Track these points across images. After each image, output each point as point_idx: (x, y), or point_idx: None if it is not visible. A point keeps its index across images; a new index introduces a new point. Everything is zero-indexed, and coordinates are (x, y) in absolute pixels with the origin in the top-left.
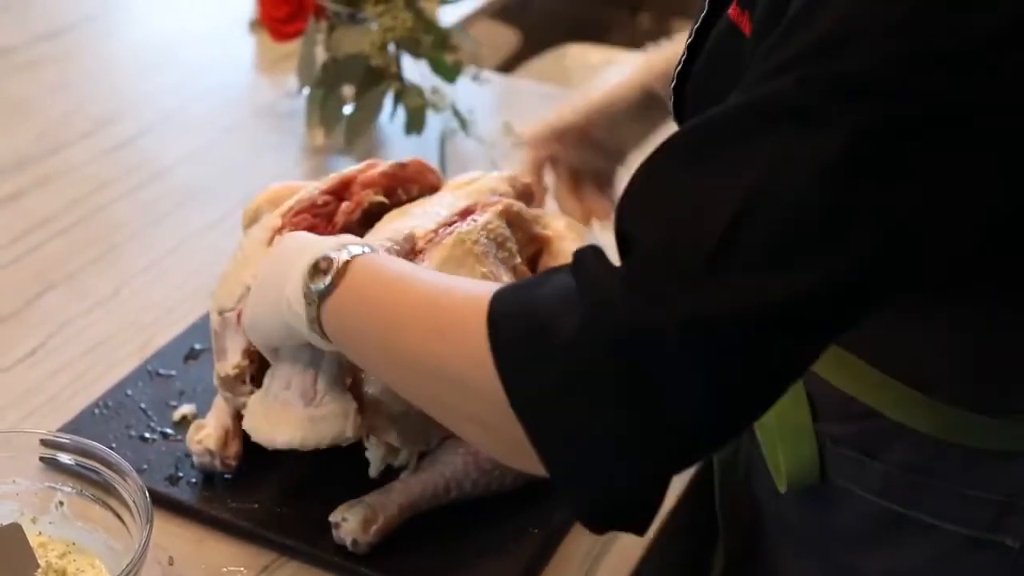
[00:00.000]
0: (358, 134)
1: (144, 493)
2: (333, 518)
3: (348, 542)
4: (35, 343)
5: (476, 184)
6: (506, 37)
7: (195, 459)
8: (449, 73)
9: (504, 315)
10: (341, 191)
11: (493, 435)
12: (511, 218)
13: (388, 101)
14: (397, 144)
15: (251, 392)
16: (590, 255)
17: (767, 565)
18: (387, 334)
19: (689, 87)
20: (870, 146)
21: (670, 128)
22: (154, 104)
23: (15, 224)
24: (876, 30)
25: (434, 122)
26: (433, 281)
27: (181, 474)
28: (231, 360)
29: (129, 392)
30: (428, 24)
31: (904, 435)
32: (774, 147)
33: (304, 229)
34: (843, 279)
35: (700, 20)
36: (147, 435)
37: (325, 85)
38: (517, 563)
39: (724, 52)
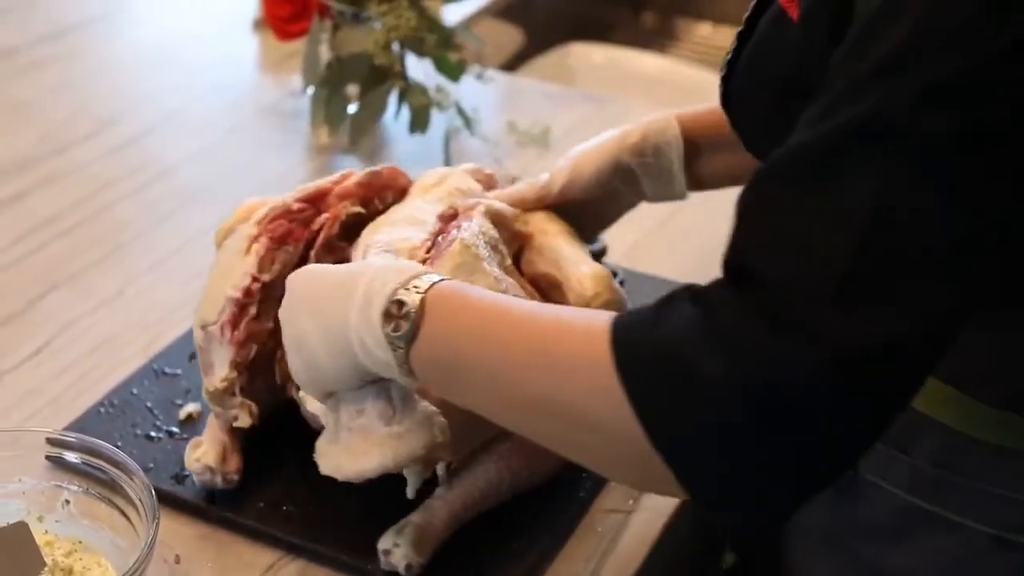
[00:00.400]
0: (362, 133)
1: (150, 491)
2: (383, 545)
3: (402, 568)
4: (40, 343)
5: (444, 185)
6: (509, 36)
7: (195, 477)
8: (453, 72)
9: (634, 356)
10: (317, 200)
11: (630, 471)
12: (495, 218)
13: (392, 100)
14: (401, 143)
15: (241, 404)
16: (703, 287)
17: (782, 561)
18: (496, 375)
19: (737, 75)
20: (973, 156)
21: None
22: (158, 104)
23: (19, 224)
24: (954, 33)
25: (438, 121)
26: (527, 310)
27: (187, 472)
28: (219, 374)
29: (135, 391)
30: (432, 23)
31: (933, 429)
32: (882, 169)
33: (281, 235)
34: (964, 299)
35: (751, 9)
36: (153, 434)
37: (329, 84)
38: (522, 562)
39: (771, 38)
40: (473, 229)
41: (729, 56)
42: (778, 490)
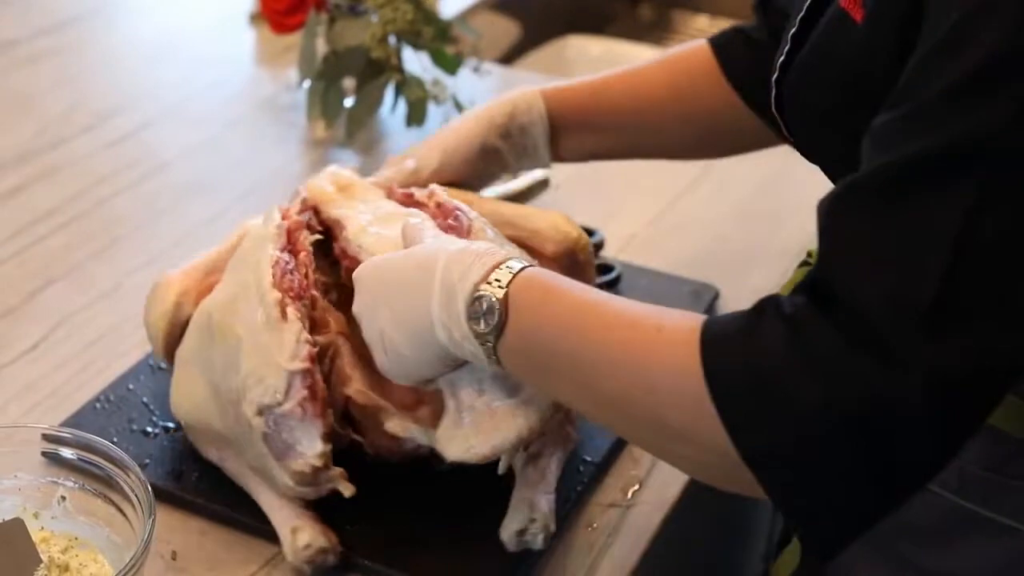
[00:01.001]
0: (359, 127)
1: (146, 487)
2: (515, 527)
3: (540, 541)
4: (37, 337)
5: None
6: (506, 29)
7: (308, 569)
8: (450, 65)
9: (726, 376)
10: (292, 242)
11: (716, 476)
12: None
13: (389, 93)
14: (398, 136)
15: (341, 474)
16: (790, 303)
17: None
18: (584, 375)
19: (792, 77)
20: None
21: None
22: (155, 98)
23: (17, 218)
24: None
25: (435, 114)
26: (611, 305)
27: (183, 468)
28: (308, 452)
29: (131, 386)
30: (428, 16)
31: (983, 433)
32: (973, 191)
33: (297, 291)
34: None
35: (805, 9)
36: (149, 429)
37: (326, 78)
38: (516, 558)
39: (832, 41)
40: (471, 211)
41: (782, 58)
42: (866, 506)
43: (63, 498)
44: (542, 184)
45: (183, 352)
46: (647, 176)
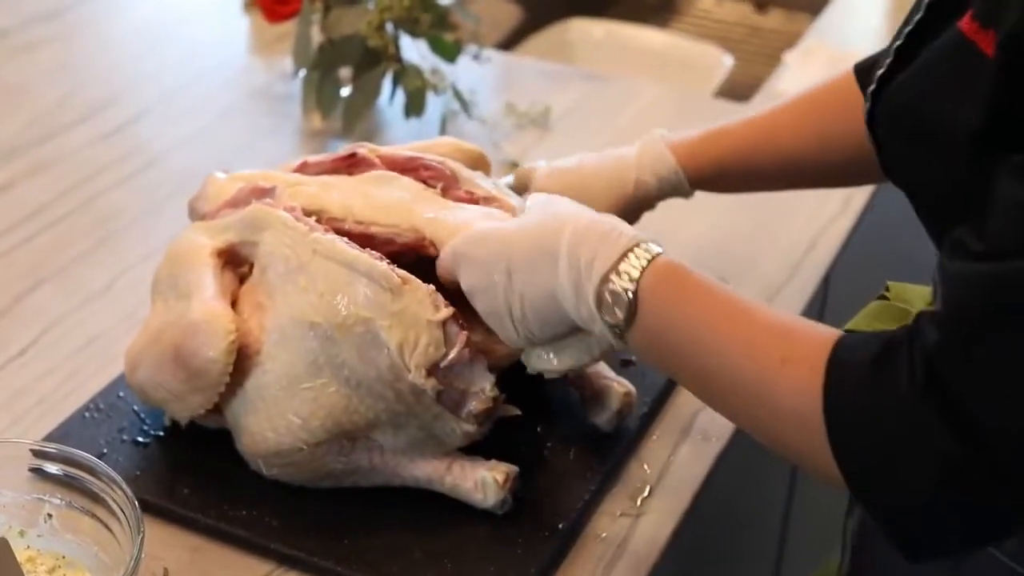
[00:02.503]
0: (356, 118)
1: (134, 504)
2: (614, 407)
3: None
4: (26, 341)
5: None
6: (507, 12)
7: (510, 499)
8: (449, 52)
9: (844, 419)
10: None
11: (823, 480)
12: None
13: (387, 83)
14: (397, 127)
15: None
16: (922, 357)
17: None
18: (708, 382)
19: (894, 96)
20: None
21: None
22: (149, 88)
23: (6, 215)
24: None
25: (435, 103)
26: (744, 312)
27: (176, 480)
28: (487, 387)
29: (121, 393)
30: (426, 2)
31: None
32: None
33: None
34: None
35: (914, 24)
36: (140, 439)
37: (321, 68)
38: (524, 572)
39: (951, 68)
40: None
41: (882, 71)
42: (963, 543)
43: (49, 515)
44: None
45: (280, 380)
46: None
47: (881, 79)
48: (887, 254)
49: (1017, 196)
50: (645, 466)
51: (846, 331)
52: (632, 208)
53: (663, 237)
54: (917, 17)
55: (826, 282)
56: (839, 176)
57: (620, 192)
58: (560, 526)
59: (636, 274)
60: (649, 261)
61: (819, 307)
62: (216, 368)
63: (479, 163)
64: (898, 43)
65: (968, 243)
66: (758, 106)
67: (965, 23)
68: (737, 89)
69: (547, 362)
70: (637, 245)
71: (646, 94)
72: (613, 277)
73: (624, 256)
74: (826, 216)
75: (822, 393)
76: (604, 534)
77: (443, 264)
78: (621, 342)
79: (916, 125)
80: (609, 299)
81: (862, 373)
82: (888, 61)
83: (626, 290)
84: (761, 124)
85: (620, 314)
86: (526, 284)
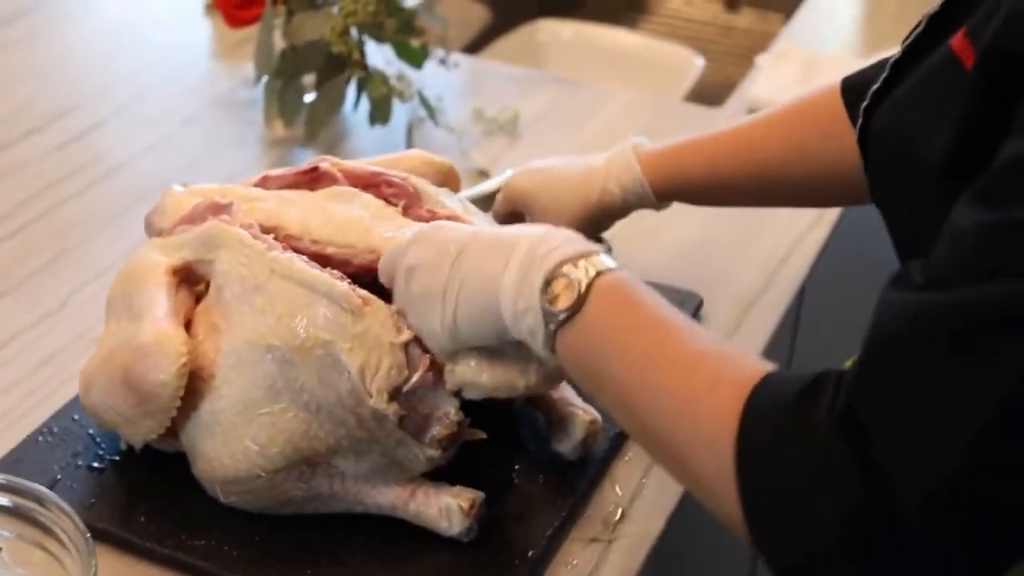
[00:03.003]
0: (320, 126)
1: (86, 537)
2: (579, 437)
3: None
4: None
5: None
6: (475, 13)
7: (476, 527)
8: (415, 58)
9: (753, 462)
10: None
11: (722, 520)
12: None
13: (351, 90)
14: (362, 135)
15: (470, 423)
16: (840, 404)
17: None
18: (628, 399)
19: (885, 114)
20: None
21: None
22: (107, 96)
23: None
24: None
25: (400, 111)
26: (680, 338)
27: (132, 507)
28: (451, 412)
29: (76, 416)
30: (391, 6)
31: None
32: None
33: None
34: None
35: (913, 38)
36: (96, 464)
37: (284, 74)
38: None
39: (936, 89)
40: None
41: (877, 85)
42: None
43: None
44: None
45: (236, 404)
46: None
47: (876, 94)
48: (863, 265)
49: (960, 222)
50: (617, 488)
51: None
52: (596, 216)
53: (637, 245)
54: (917, 31)
55: (801, 293)
56: (812, 194)
57: (585, 199)
58: (530, 554)
59: (593, 272)
60: (609, 270)
61: (794, 318)
62: (166, 392)
63: (448, 176)
64: (895, 57)
65: (913, 274)
66: (731, 110)
67: (957, 40)
68: (709, 90)
69: (474, 372)
70: (601, 255)
71: (617, 99)
72: (568, 267)
73: (586, 255)
74: (802, 225)
75: (737, 423)
76: (575, 561)
77: (388, 255)
78: (548, 345)
79: (899, 148)
80: (557, 288)
81: (784, 404)
82: (884, 76)
83: (579, 281)
84: (735, 136)
85: (565, 302)
86: (471, 269)
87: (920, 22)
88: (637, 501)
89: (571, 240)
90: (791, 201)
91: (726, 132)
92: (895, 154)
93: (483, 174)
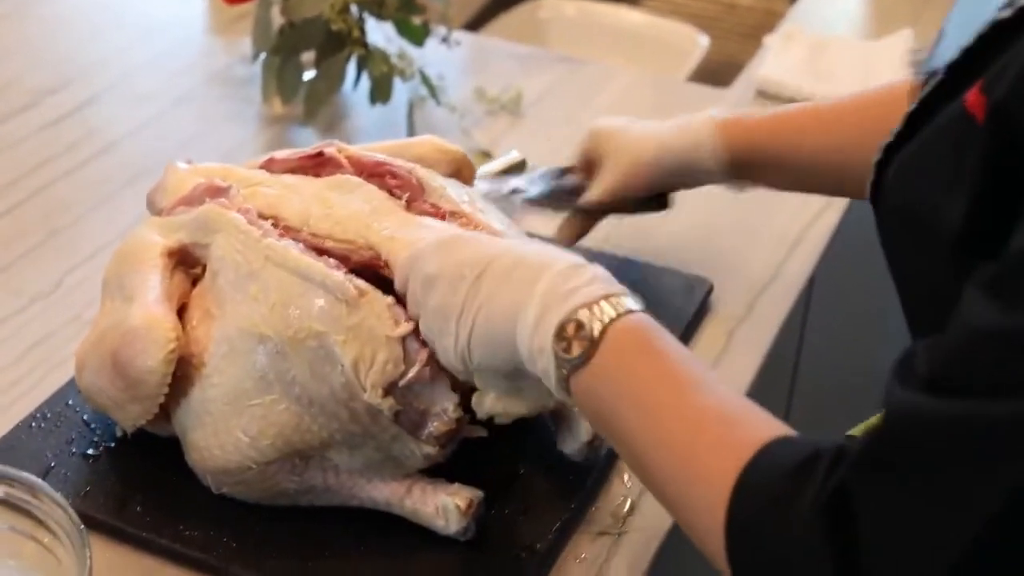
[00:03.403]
0: (319, 104)
1: (80, 529)
2: (583, 439)
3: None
4: None
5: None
6: None
7: (474, 527)
8: (416, 35)
9: (743, 536)
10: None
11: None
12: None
13: (351, 68)
14: (362, 114)
15: (468, 419)
16: (835, 484)
17: None
18: (636, 455)
19: (896, 168)
20: None
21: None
22: (101, 71)
23: None
24: None
25: (401, 89)
26: (691, 393)
27: (127, 496)
28: (449, 409)
29: (70, 401)
30: None
31: None
32: None
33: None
34: None
35: (931, 88)
36: (90, 451)
37: (282, 52)
38: None
39: (948, 141)
40: (407, 165)
41: (890, 140)
42: None
43: None
44: (519, 165)
45: (227, 394)
46: None
47: (888, 149)
48: (874, 251)
49: (974, 318)
50: (626, 480)
51: (846, 437)
52: (664, 174)
53: (646, 232)
54: (936, 80)
55: (812, 279)
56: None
57: (656, 152)
58: (537, 547)
59: (611, 315)
60: (628, 312)
61: (805, 304)
62: (153, 379)
63: (461, 165)
64: (911, 109)
65: (916, 361)
66: (738, 91)
67: (972, 95)
68: (712, 69)
69: (502, 404)
70: (622, 296)
71: (621, 78)
72: (583, 311)
73: (605, 298)
74: (812, 211)
75: (731, 491)
76: (584, 555)
77: (408, 259)
78: (562, 385)
79: (910, 212)
80: (571, 331)
81: (775, 483)
82: (897, 129)
83: (593, 327)
84: (814, 114)
85: (577, 350)
86: (492, 293)
87: (938, 72)
88: (647, 494)
89: (595, 280)
90: (834, 192)
91: (804, 110)
92: (906, 218)
93: (486, 154)
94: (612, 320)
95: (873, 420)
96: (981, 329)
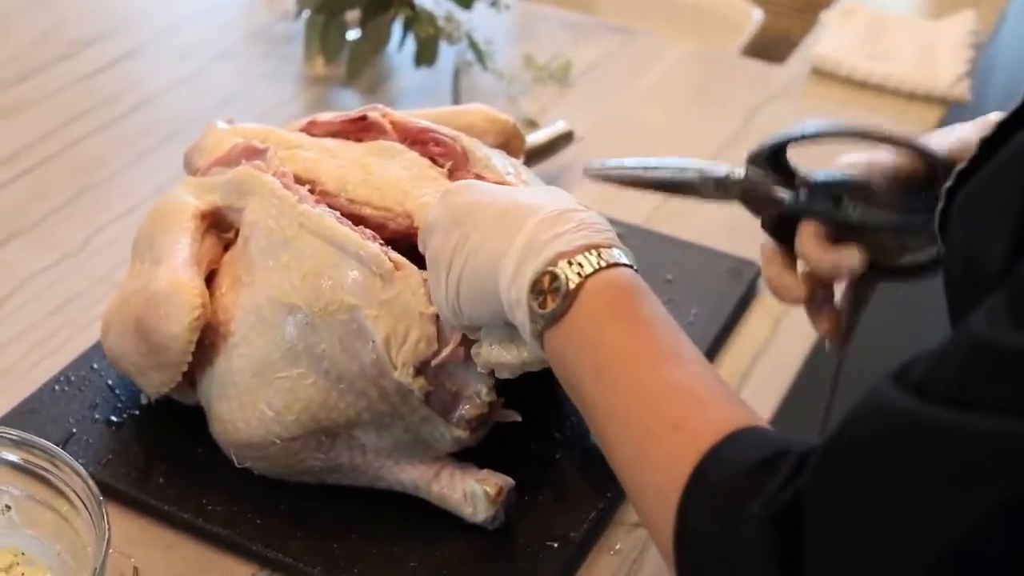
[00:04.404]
0: (363, 65)
1: (98, 500)
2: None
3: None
4: None
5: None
6: None
7: (503, 514)
8: None
9: (690, 531)
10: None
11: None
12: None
13: (397, 29)
14: (406, 77)
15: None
16: (787, 491)
17: None
18: (597, 412)
19: (962, 197)
20: None
21: None
22: (140, 25)
23: None
24: None
25: (447, 53)
26: (657, 365)
27: (150, 467)
28: (483, 392)
29: (95, 365)
30: None
31: None
32: (999, 492)
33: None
34: None
35: (1010, 114)
36: (114, 418)
37: (327, 10)
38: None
39: (1012, 171)
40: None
41: (963, 166)
42: None
43: (8, 507)
44: (566, 136)
45: (253, 366)
46: (678, 131)
47: (961, 175)
48: None
49: (976, 328)
50: None
51: None
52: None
53: (692, 212)
54: (1015, 107)
55: None
56: None
57: None
58: (571, 536)
59: (591, 269)
60: (609, 265)
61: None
62: (177, 345)
63: (511, 136)
64: (987, 134)
65: (913, 369)
66: (793, 68)
67: None
68: (766, 44)
69: (497, 353)
70: (607, 247)
71: (672, 51)
72: (561, 263)
73: (587, 249)
74: None
75: (686, 481)
76: (619, 546)
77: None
78: (537, 340)
79: (965, 247)
80: (545, 283)
81: (731, 480)
82: (973, 156)
83: (568, 279)
84: None
85: (550, 304)
86: (480, 242)
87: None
88: None
89: (580, 227)
90: None
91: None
92: (961, 255)
93: (532, 123)
94: (590, 274)
95: None
96: (984, 342)
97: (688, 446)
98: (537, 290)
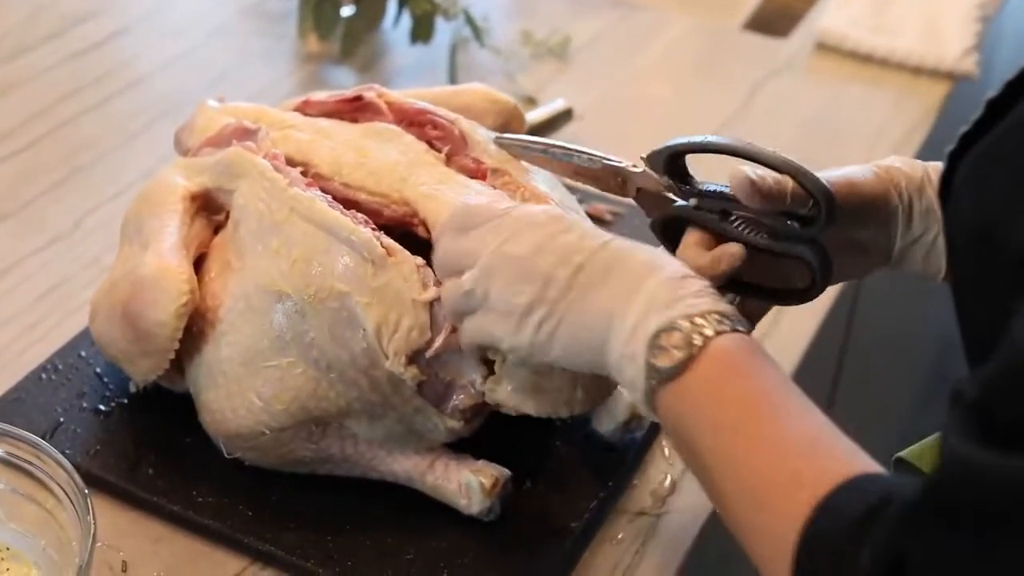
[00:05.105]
0: (357, 42)
1: (83, 493)
2: (621, 419)
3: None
4: None
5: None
6: None
7: (499, 506)
8: None
9: (811, 560)
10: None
11: None
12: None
13: (392, 5)
14: (402, 54)
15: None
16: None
17: None
18: (708, 477)
19: (968, 162)
20: None
21: None
22: (130, 2)
23: None
24: None
25: (444, 29)
26: (773, 426)
27: (139, 457)
28: (477, 381)
29: (83, 353)
30: None
31: None
32: None
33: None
34: None
35: (1019, 74)
36: (102, 407)
37: None
38: (540, 569)
39: None
40: (450, 115)
41: (967, 128)
42: None
43: None
44: (566, 114)
45: (242, 354)
46: (680, 108)
47: (965, 138)
48: None
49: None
50: (667, 453)
51: (896, 459)
52: None
53: None
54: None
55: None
56: None
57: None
58: (572, 526)
59: (713, 330)
60: (732, 331)
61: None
62: (164, 332)
63: (511, 117)
64: (993, 95)
65: (965, 391)
66: (797, 42)
67: None
68: (769, 17)
69: (515, 400)
70: (729, 314)
71: (674, 26)
72: (684, 322)
73: (711, 312)
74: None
75: (800, 533)
76: (620, 535)
77: (468, 226)
78: (647, 397)
79: (975, 217)
80: (668, 340)
81: (841, 529)
82: (976, 117)
83: (693, 339)
84: None
85: (672, 360)
86: (588, 288)
87: None
88: (689, 473)
89: (703, 293)
90: None
91: None
92: (971, 224)
93: (530, 101)
94: (713, 336)
95: (929, 441)
96: None
97: (807, 496)
98: (657, 345)
